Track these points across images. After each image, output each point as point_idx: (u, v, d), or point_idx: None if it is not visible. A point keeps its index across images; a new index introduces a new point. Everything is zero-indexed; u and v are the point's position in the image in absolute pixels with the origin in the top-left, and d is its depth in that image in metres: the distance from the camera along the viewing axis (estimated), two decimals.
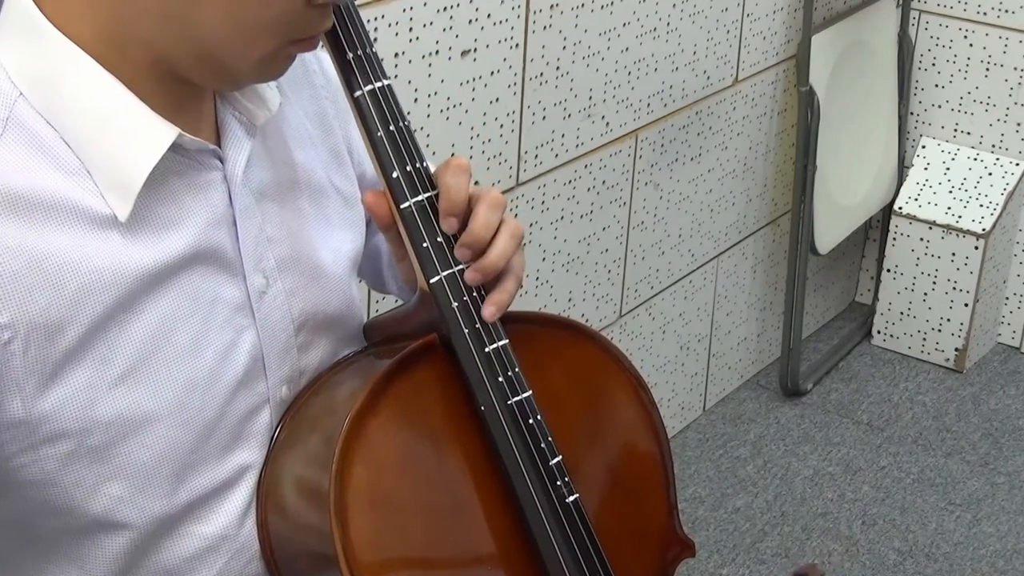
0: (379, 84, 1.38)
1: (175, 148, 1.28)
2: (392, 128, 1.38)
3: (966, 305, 3.95)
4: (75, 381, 1.24)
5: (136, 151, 1.26)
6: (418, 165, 1.39)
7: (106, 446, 1.28)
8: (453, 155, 2.62)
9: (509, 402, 1.39)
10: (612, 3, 2.96)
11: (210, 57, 1.25)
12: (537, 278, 3.00)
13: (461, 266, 1.39)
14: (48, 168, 1.23)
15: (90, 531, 1.31)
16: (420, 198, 1.38)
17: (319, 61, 1.52)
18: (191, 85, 1.30)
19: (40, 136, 1.24)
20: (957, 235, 3.92)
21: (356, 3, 1.40)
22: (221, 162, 1.34)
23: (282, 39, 1.25)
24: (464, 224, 1.39)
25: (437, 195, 1.39)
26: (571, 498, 1.42)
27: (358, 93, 1.38)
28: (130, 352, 1.27)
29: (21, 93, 1.24)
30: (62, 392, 1.24)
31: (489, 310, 1.39)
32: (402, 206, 1.38)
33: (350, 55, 1.37)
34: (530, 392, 1.41)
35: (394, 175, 1.38)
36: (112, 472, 1.29)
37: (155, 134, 1.27)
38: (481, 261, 1.38)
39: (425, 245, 1.38)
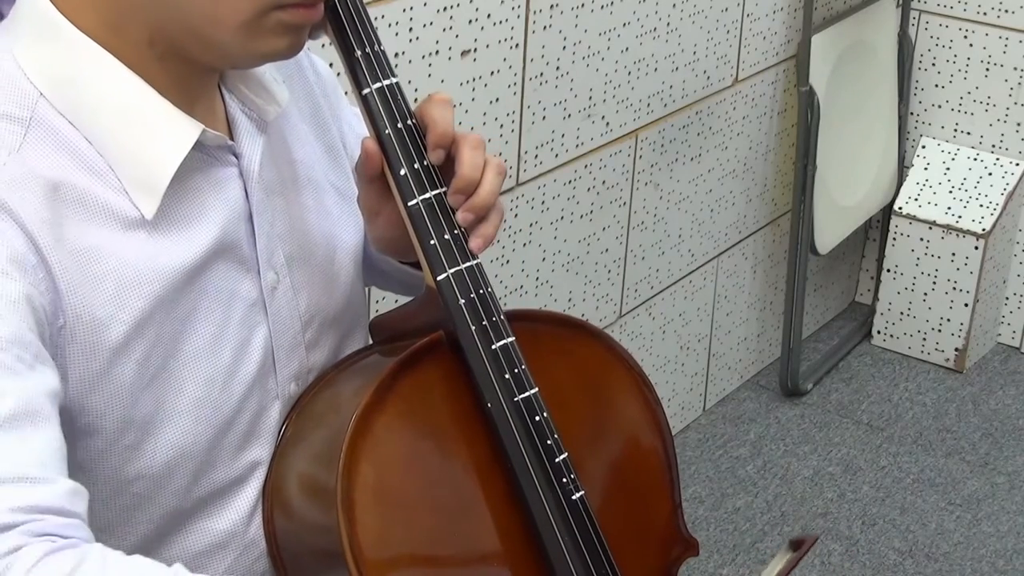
0: (387, 82, 1.39)
1: (195, 145, 1.28)
2: (400, 126, 1.38)
3: (966, 305, 3.95)
4: (120, 381, 1.25)
5: (161, 149, 1.26)
6: (426, 162, 1.39)
7: (137, 444, 1.28)
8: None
9: (515, 399, 1.39)
10: (612, 3, 2.96)
11: (192, 27, 1.24)
12: (537, 278, 3.00)
13: (468, 263, 1.39)
14: (73, 167, 1.24)
15: (106, 531, 1.31)
16: (428, 195, 1.38)
17: (309, 57, 1.52)
18: (198, 71, 1.29)
19: (63, 135, 1.24)
20: (957, 235, 3.92)
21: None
22: (235, 157, 1.34)
23: (258, 2, 1.24)
24: (449, 156, 1.39)
25: (445, 191, 1.39)
26: (577, 495, 1.42)
27: (366, 91, 1.38)
28: (163, 350, 1.28)
29: (42, 94, 1.24)
30: (108, 391, 1.25)
31: (476, 242, 1.40)
32: (410, 203, 1.38)
33: (358, 53, 1.37)
34: (536, 389, 1.41)
35: (402, 172, 1.38)
36: (137, 472, 1.30)
37: (180, 131, 1.27)
38: (472, 200, 1.39)
39: (432, 242, 1.38)
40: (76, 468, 1.27)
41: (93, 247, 1.23)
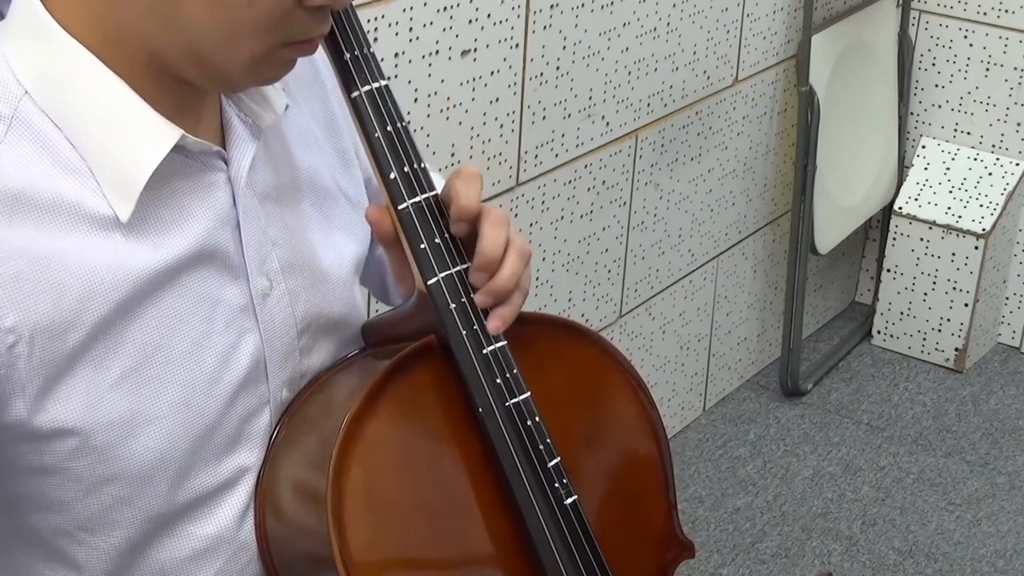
0: (376, 85, 1.38)
1: (179, 149, 1.28)
2: (390, 129, 1.38)
3: (966, 305, 3.95)
4: (76, 383, 1.24)
5: (139, 152, 1.26)
6: (416, 166, 1.38)
7: (108, 446, 1.28)
8: (453, 155, 2.63)
9: (507, 403, 1.39)
10: (612, 3, 2.96)
11: (199, 55, 1.24)
12: (537, 278, 3.00)
13: (460, 267, 1.39)
14: (51, 167, 1.23)
15: (85, 529, 1.31)
16: (418, 199, 1.38)
17: (328, 63, 1.51)
18: (192, 86, 1.29)
19: (44, 135, 1.24)
20: (957, 235, 3.91)
21: (355, 3, 1.40)
22: (225, 163, 1.34)
23: (272, 40, 1.24)
24: (473, 230, 1.39)
25: (435, 196, 1.39)
26: (569, 500, 1.42)
27: (355, 94, 1.37)
28: (130, 353, 1.27)
29: (27, 92, 1.24)
30: (64, 394, 1.24)
31: (494, 323, 1.39)
32: (400, 207, 1.38)
33: (347, 56, 1.37)
34: (528, 393, 1.40)
35: (392, 176, 1.37)
36: (113, 472, 1.29)
37: (158, 135, 1.26)
38: (491, 284, 1.38)
39: (423, 246, 1.37)
40: (43, 471, 1.27)
41: (60, 253, 1.22)
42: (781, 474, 3.54)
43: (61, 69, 1.24)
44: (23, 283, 1.20)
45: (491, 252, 1.37)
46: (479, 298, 1.38)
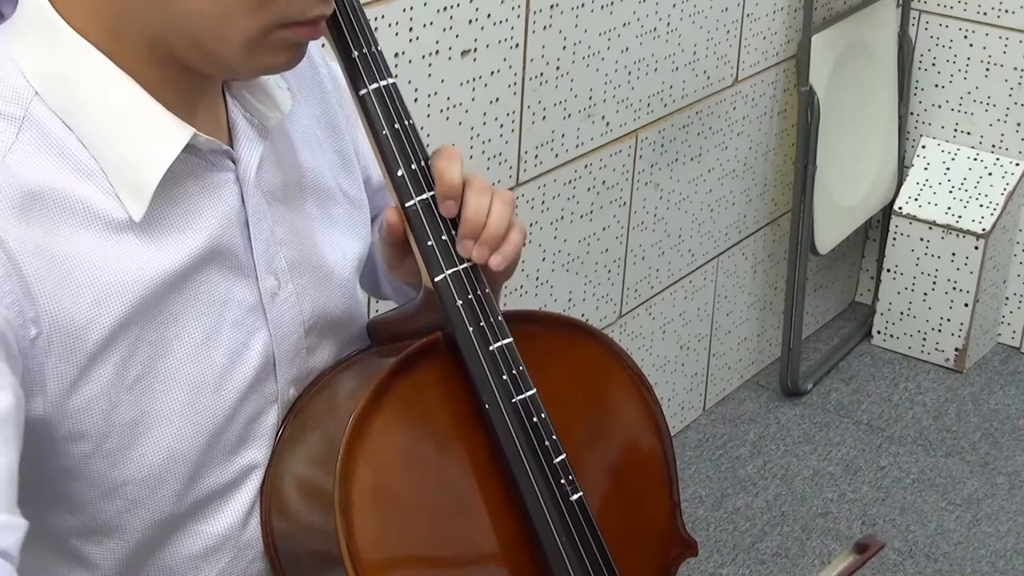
0: (384, 82, 1.38)
1: (189, 148, 1.28)
2: (397, 126, 1.38)
3: (966, 305, 3.95)
4: (97, 385, 1.25)
5: (151, 151, 1.26)
6: (423, 163, 1.39)
7: (122, 449, 1.28)
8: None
9: (513, 400, 1.39)
10: (612, 3, 2.96)
11: (196, 40, 1.24)
12: (537, 278, 3.00)
13: (466, 264, 1.39)
14: (64, 168, 1.23)
15: (101, 531, 1.31)
16: (425, 196, 1.38)
17: (327, 64, 1.51)
18: (198, 77, 1.29)
19: (56, 136, 1.24)
20: (957, 235, 3.91)
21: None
22: (233, 163, 1.34)
23: (265, 20, 1.23)
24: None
25: None
26: (575, 496, 1.42)
27: (363, 91, 1.38)
28: (146, 354, 1.28)
29: (37, 92, 1.24)
30: (85, 396, 1.24)
31: (496, 259, 1.39)
32: (407, 204, 1.38)
33: (355, 53, 1.37)
34: (534, 390, 1.40)
35: (399, 173, 1.38)
36: (127, 476, 1.29)
37: (170, 134, 1.26)
38: (482, 236, 1.38)
39: (430, 243, 1.38)
40: (63, 473, 1.27)
41: (75, 253, 1.22)
42: (781, 474, 3.54)
43: (69, 68, 1.24)
44: (43, 280, 1.20)
45: (474, 218, 1.38)
46: (476, 252, 1.38)
